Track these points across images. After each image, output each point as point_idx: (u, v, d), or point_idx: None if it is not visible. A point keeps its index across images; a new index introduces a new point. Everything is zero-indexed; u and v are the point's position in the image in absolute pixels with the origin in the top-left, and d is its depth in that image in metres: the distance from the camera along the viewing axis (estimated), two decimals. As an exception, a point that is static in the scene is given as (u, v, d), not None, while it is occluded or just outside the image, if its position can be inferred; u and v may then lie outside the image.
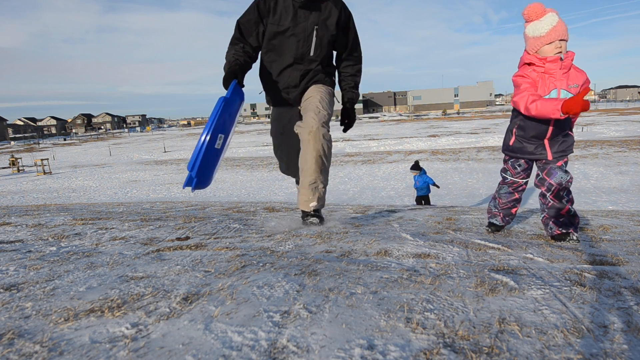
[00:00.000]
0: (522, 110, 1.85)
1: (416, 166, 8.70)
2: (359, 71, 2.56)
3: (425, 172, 8.85)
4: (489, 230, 2.26)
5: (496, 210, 2.22)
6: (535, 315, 1.02)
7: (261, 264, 1.50)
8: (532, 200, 9.36)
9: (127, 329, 0.97)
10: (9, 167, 23.18)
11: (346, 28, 2.40)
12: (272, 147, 2.72)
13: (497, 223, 2.24)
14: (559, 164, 1.99)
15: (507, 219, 2.24)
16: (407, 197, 10.08)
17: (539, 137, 1.98)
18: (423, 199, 8.62)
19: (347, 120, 2.56)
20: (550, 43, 1.84)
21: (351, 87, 2.54)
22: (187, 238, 2.02)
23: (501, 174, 2.20)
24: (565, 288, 1.22)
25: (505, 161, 2.17)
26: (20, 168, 22.73)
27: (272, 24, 2.28)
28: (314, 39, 2.30)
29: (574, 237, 1.93)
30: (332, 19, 2.31)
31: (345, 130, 2.59)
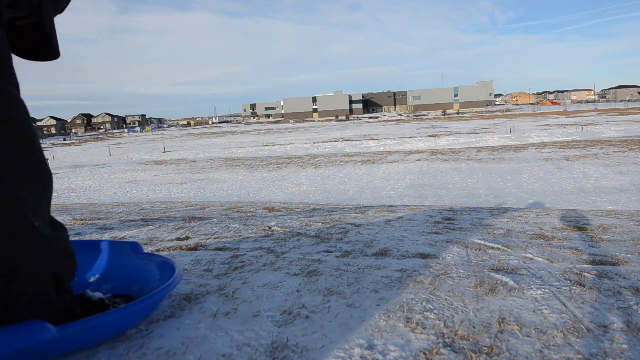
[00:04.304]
0: None
1: None
2: None
3: None
4: None
5: None
6: (535, 315, 1.03)
7: (261, 264, 1.50)
8: (532, 200, 9.36)
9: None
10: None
11: None
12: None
13: None
14: None
15: None
16: (407, 197, 10.08)
17: None
18: None
19: None
20: None
21: None
22: (187, 238, 2.02)
23: None
24: (565, 288, 1.22)
25: None
26: (20, 168, 22.65)
27: None
28: None
29: None
30: None
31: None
